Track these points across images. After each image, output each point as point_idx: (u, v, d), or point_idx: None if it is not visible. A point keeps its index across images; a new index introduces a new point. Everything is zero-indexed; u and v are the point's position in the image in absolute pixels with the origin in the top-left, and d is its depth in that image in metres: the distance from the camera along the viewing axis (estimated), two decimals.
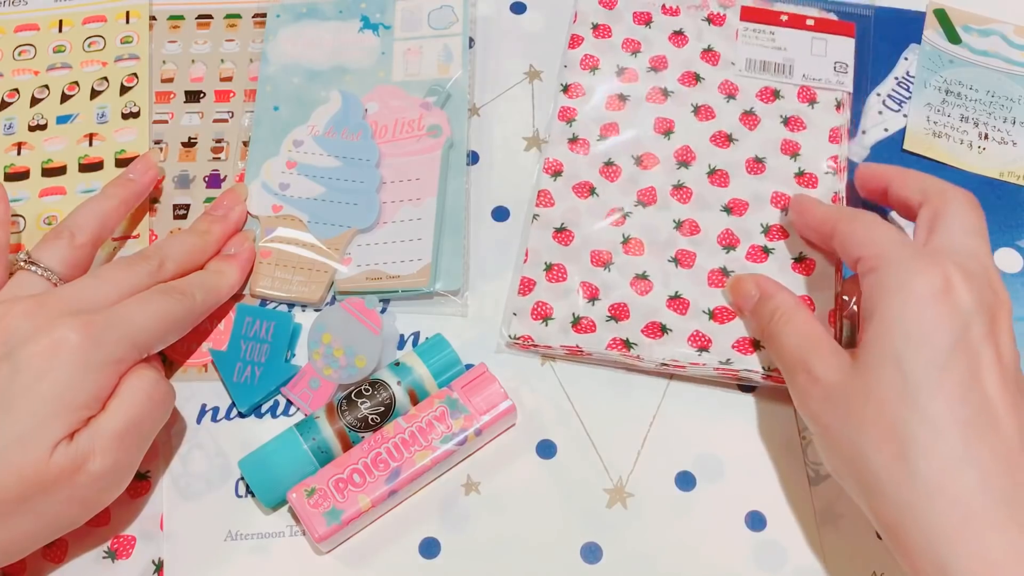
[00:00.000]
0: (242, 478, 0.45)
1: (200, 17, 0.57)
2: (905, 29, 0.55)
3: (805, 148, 0.51)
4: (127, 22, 0.56)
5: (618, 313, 0.47)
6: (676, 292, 0.47)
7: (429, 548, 0.44)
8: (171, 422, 0.46)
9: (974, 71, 0.54)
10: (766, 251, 0.48)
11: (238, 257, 0.48)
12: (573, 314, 0.47)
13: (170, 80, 0.55)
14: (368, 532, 0.44)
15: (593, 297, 0.47)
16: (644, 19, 0.54)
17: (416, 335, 0.48)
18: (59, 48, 0.56)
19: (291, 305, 0.49)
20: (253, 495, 0.45)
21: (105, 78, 0.55)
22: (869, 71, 0.54)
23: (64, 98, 0.54)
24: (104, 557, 0.44)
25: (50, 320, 0.40)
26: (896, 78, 0.54)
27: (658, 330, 0.47)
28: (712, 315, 0.47)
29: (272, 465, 0.43)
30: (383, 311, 0.49)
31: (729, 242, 0.48)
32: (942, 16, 0.55)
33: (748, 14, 0.54)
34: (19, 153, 0.53)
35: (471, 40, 0.55)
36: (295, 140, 0.52)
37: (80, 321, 0.40)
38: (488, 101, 0.54)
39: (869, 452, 0.37)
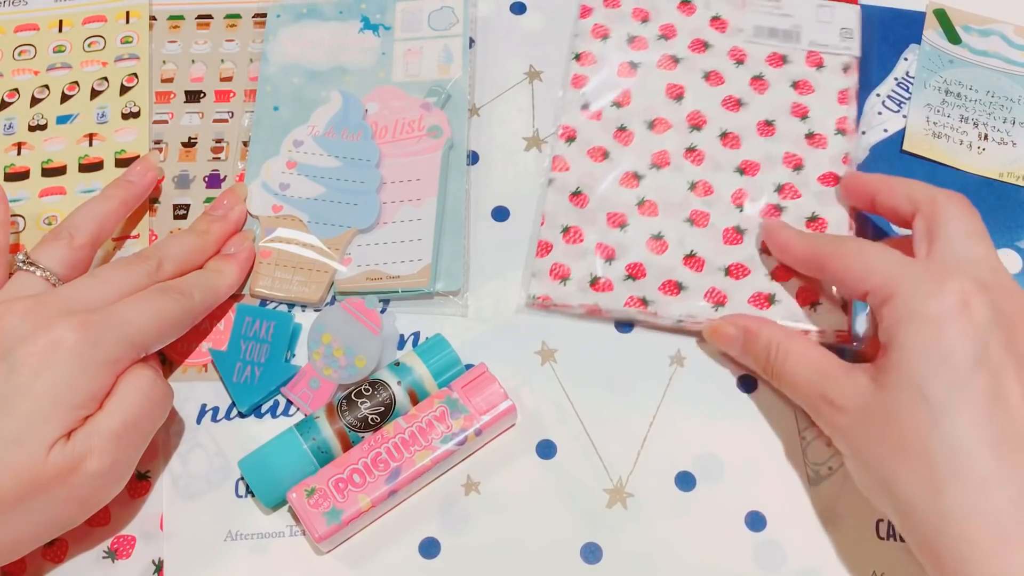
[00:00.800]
0: (242, 478, 0.45)
1: (200, 17, 0.57)
2: (905, 29, 0.55)
3: (814, 110, 0.52)
4: (127, 22, 0.56)
5: (635, 272, 0.48)
6: (691, 251, 0.48)
7: (429, 548, 0.44)
8: (171, 422, 0.46)
9: (974, 71, 0.54)
10: (779, 208, 0.49)
11: (237, 256, 0.48)
12: (591, 274, 0.48)
13: (170, 80, 0.55)
14: (368, 532, 0.44)
15: (610, 257, 0.48)
16: None
17: (416, 335, 0.48)
18: (59, 48, 0.56)
19: (291, 305, 0.49)
20: (253, 495, 0.45)
21: (105, 78, 0.55)
22: (870, 72, 0.54)
23: (64, 98, 0.54)
24: (104, 557, 0.44)
25: (48, 319, 0.40)
26: (896, 79, 0.54)
27: (675, 288, 0.48)
28: (728, 271, 0.48)
29: (272, 465, 0.43)
30: (383, 311, 0.49)
31: (742, 201, 0.49)
32: (942, 16, 0.55)
33: None
34: (19, 153, 0.53)
35: (471, 40, 0.55)
36: (295, 140, 0.52)
37: (78, 320, 0.40)
38: (488, 101, 0.54)
39: (899, 475, 0.37)
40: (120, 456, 0.40)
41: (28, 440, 0.38)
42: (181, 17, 0.57)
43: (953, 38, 0.55)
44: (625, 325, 0.48)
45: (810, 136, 0.51)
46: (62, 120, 0.54)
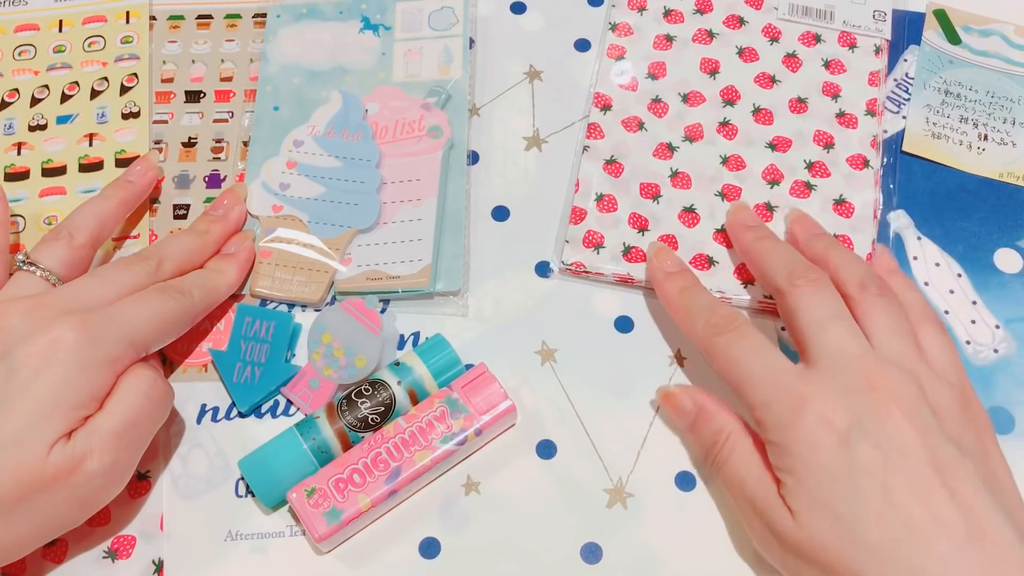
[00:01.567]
0: (242, 478, 0.45)
1: (200, 17, 0.57)
2: (905, 30, 0.55)
3: (845, 90, 0.53)
4: (127, 22, 0.56)
5: (667, 244, 0.49)
6: (722, 225, 0.49)
7: (429, 548, 0.44)
8: (171, 422, 0.46)
9: (974, 72, 0.54)
10: (809, 187, 0.50)
11: (237, 256, 0.48)
12: (624, 243, 0.49)
13: (170, 80, 0.55)
14: (368, 532, 0.44)
15: (643, 228, 0.49)
16: None
17: (416, 335, 0.48)
18: (59, 48, 0.56)
19: (291, 305, 0.49)
20: (253, 495, 0.45)
21: (105, 78, 0.55)
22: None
23: (64, 98, 0.54)
24: (104, 557, 0.44)
25: (47, 319, 0.40)
26: (895, 79, 0.54)
27: (705, 262, 0.48)
28: None
29: (272, 465, 0.43)
30: (383, 311, 0.49)
31: (774, 177, 0.51)
32: (942, 16, 0.55)
33: None
34: (19, 153, 0.53)
35: (471, 40, 0.55)
36: (295, 140, 0.52)
37: (77, 320, 0.40)
38: (488, 101, 0.54)
39: None
40: (120, 456, 0.40)
41: (28, 440, 0.38)
42: (181, 17, 0.57)
43: (953, 38, 0.55)
44: (625, 325, 0.48)
45: (841, 115, 0.52)
46: (62, 120, 0.54)
